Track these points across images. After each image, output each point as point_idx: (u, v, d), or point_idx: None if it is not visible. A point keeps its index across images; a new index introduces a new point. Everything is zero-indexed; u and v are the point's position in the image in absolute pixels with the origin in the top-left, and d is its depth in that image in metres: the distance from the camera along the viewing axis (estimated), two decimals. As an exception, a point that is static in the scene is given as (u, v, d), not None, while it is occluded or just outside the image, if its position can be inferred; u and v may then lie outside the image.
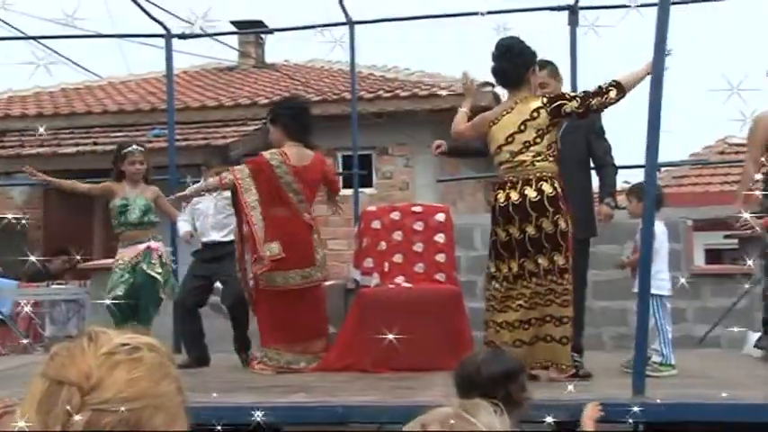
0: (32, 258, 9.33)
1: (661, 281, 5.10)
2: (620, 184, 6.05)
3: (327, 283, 8.05)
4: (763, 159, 5.57)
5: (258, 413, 4.02)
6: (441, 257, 6.17)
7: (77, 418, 1.03)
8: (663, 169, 12.09)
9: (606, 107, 4.85)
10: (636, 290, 5.15)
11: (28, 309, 8.64)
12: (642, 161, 4.65)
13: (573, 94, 4.86)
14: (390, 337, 5.21)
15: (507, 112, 4.91)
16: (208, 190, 6.12)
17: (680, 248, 7.31)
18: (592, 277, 6.10)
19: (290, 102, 6.26)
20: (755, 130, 5.71)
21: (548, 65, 5.38)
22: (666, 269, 5.21)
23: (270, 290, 5.76)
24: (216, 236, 6.32)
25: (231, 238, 6.20)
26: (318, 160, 5.99)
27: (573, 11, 7.23)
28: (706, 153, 14.92)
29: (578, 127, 5.32)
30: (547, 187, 4.76)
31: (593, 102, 4.78)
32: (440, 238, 6.21)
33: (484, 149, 5.27)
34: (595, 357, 5.75)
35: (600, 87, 4.79)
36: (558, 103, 4.82)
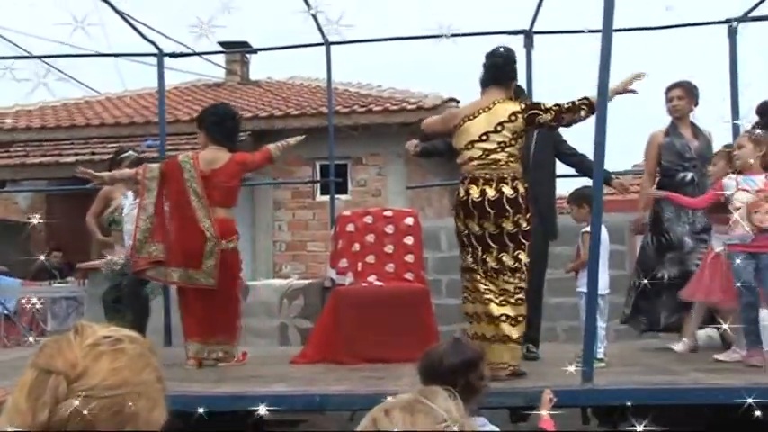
0: (41, 258, 9.29)
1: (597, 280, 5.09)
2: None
3: (306, 282, 8.07)
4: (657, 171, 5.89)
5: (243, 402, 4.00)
6: (409, 258, 6.16)
7: (64, 404, 1.02)
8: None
9: (575, 123, 4.68)
10: (579, 288, 5.22)
11: (39, 305, 8.59)
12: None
13: (548, 106, 4.60)
14: (363, 331, 5.20)
15: (484, 111, 4.65)
16: (122, 179, 5.89)
17: (624, 249, 7.37)
18: (548, 276, 6.15)
19: (215, 109, 5.96)
20: (649, 146, 6.00)
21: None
22: (605, 269, 5.06)
23: (185, 287, 5.54)
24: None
25: None
26: (233, 161, 5.61)
27: (528, 35, 7.28)
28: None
29: (546, 138, 5.37)
30: (520, 187, 4.57)
31: (565, 117, 4.63)
32: (409, 240, 6.21)
33: (448, 151, 5.13)
34: (550, 348, 5.79)
35: (573, 104, 4.59)
36: (533, 112, 4.61)
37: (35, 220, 9.17)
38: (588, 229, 4.94)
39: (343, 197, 11.09)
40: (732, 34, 6.83)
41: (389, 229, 6.23)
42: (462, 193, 4.63)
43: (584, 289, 4.79)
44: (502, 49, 4.88)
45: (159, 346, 6.56)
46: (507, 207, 4.51)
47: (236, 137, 5.91)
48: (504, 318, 4.55)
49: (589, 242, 4.53)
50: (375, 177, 11.93)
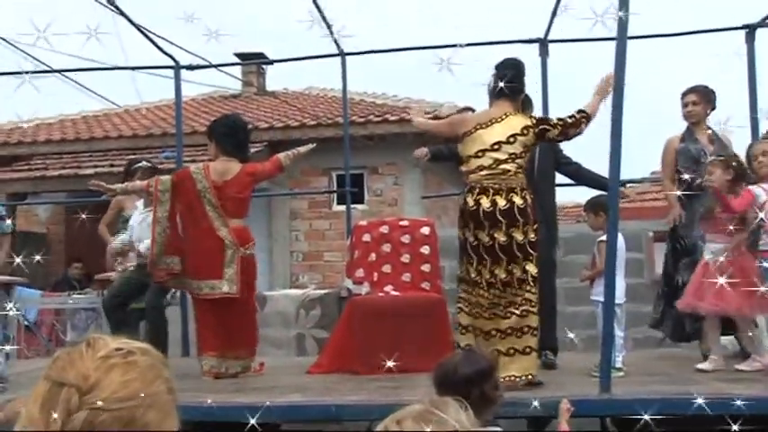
0: (68, 269, 9.33)
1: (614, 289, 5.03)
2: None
3: (323, 291, 8.09)
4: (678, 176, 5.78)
5: (259, 412, 4.01)
6: (426, 268, 6.15)
7: (76, 416, 1.03)
8: (627, 185, 12.10)
9: (577, 136, 4.78)
10: (593, 297, 5.19)
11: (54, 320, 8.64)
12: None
13: (555, 122, 4.70)
14: (379, 341, 5.20)
15: (497, 121, 4.67)
16: (134, 191, 5.89)
17: (642, 258, 7.33)
18: (564, 284, 6.13)
19: (225, 120, 5.93)
20: (665, 152, 5.93)
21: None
22: (622, 277, 5.06)
23: (201, 299, 5.52)
24: (142, 248, 6.06)
25: None
26: (243, 172, 5.59)
27: (543, 43, 7.29)
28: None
29: (547, 148, 5.38)
30: (528, 197, 4.60)
31: (570, 132, 4.71)
32: (425, 249, 6.20)
33: (452, 157, 5.15)
34: (568, 357, 5.75)
35: (575, 118, 4.68)
36: (543, 127, 4.67)
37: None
38: (604, 237, 4.93)
39: (359, 207, 11.10)
40: (750, 40, 6.79)
41: (406, 239, 6.22)
42: (471, 202, 4.59)
43: (600, 298, 4.77)
44: (513, 62, 4.89)
45: (176, 356, 6.59)
46: (518, 217, 4.52)
47: (247, 148, 5.91)
48: (510, 331, 4.56)
49: (606, 251, 4.52)
50: (391, 187, 11.93)
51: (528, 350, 4.60)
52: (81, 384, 1.06)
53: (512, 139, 4.59)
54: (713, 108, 5.93)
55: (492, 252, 4.55)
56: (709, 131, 5.91)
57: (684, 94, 5.91)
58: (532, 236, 4.58)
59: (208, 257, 5.42)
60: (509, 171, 4.56)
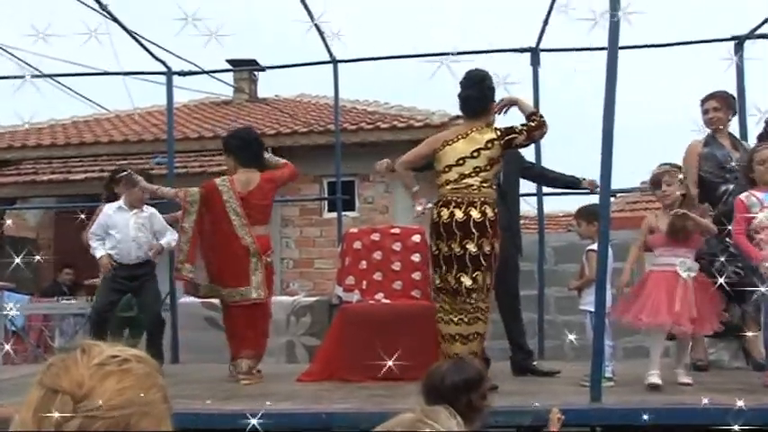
0: (60, 275, 9.26)
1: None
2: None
3: (313, 299, 8.08)
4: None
5: (252, 420, 4.00)
6: (417, 275, 6.16)
7: (70, 423, 1.03)
8: (618, 195, 12.16)
9: (540, 139, 5.03)
10: (582, 307, 5.20)
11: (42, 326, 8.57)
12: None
13: (520, 128, 4.86)
14: (369, 348, 5.20)
15: (462, 137, 4.87)
16: (164, 196, 6.12)
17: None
18: (554, 293, 6.14)
19: (238, 133, 6.21)
20: (688, 156, 5.83)
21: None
22: (609, 287, 4.94)
23: (232, 306, 5.75)
24: (140, 252, 6.19)
25: (148, 257, 6.21)
26: (264, 180, 5.88)
27: (535, 52, 7.32)
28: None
29: (510, 154, 5.39)
30: (489, 211, 4.77)
31: (535, 134, 4.90)
32: (416, 257, 6.20)
33: (427, 167, 5.27)
34: (558, 367, 5.75)
35: (535, 120, 4.87)
36: (511, 136, 4.84)
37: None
38: (593, 247, 4.95)
39: (350, 214, 11.10)
40: (739, 52, 6.84)
41: (397, 247, 6.23)
42: (435, 215, 4.84)
43: (588, 307, 4.78)
44: (472, 77, 4.99)
45: (167, 363, 6.57)
46: (473, 230, 4.73)
47: (263, 157, 6.10)
48: (457, 337, 4.81)
49: (596, 261, 4.53)
50: (382, 194, 11.93)
51: (474, 355, 4.75)
52: (75, 391, 1.05)
53: (476, 154, 4.79)
54: (735, 113, 5.88)
55: (448, 261, 4.78)
56: (731, 137, 5.81)
57: (704, 101, 5.80)
58: (487, 249, 4.76)
59: (236, 266, 5.68)
60: (472, 185, 4.77)
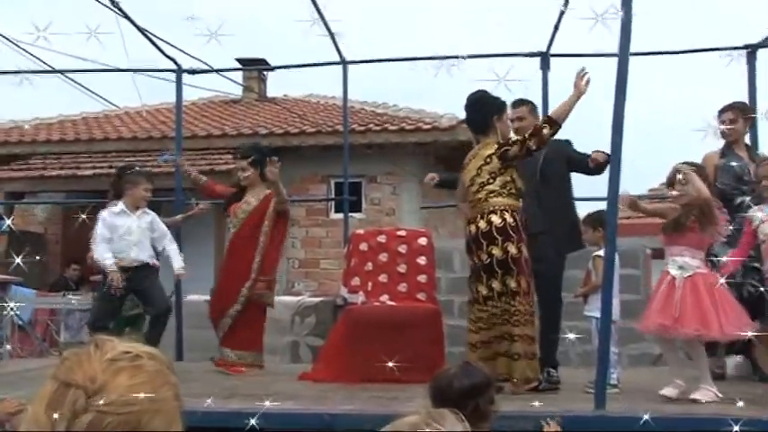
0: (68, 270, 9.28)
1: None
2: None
3: (318, 299, 8.08)
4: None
5: (252, 420, 4.01)
6: (422, 278, 6.16)
7: (82, 418, 1.04)
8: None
9: (545, 143, 4.95)
10: (587, 313, 5.19)
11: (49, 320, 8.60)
12: (604, 194, 4.67)
13: (515, 138, 5.03)
14: (373, 350, 5.21)
15: (472, 158, 5.12)
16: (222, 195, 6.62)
17: (639, 274, 7.33)
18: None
19: (266, 148, 6.68)
20: (705, 166, 5.77)
21: (527, 102, 5.64)
22: (616, 294, 4.94)
23: (262, 306, 6.30)
24: (141, 255, 6.15)
25: (152, 260, 6.20)
26: (267, 199, 6.25)
27: (545, 57, 7.33)
28: (663, 188, 14.94)
29: (557, 152, 5.35)
30: (495, 219, 4.88)
31: (530, 143, 4.90)
32: (422, 260, 6.21)
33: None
34: (563, 373, 5.74)
35: (534, 127, 4.97)
36: (505, 149, 4.97)
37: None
38: (599, 253, 4.94)
39: (356, 215, 11.10)
40: (752, 60, 6.83)
41: (402, 249, 6.23)
42: (466, 231, 5.09)
43: (594, 314, 4.77)
44: (470, 101, 5.17)
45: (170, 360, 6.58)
46: (496, 235, 4.87)
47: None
48: (516, 338, 4.86)
49: (603, 267, 4.52)
50: (389, 196, 11.94)
51: (516, 357, 4.87)
52: (88, 386, 1.06)
53: (480, 171, 5.03)
54: (752, 124, 5.84)
55: (476, 272, 4.98)
56: (748, 149, 5.77)
57: (721, 112, 5.73)
58: (514, 252, 4.84)
59: (271, 271, 6.29)
60: (480, 199, 4.99)
